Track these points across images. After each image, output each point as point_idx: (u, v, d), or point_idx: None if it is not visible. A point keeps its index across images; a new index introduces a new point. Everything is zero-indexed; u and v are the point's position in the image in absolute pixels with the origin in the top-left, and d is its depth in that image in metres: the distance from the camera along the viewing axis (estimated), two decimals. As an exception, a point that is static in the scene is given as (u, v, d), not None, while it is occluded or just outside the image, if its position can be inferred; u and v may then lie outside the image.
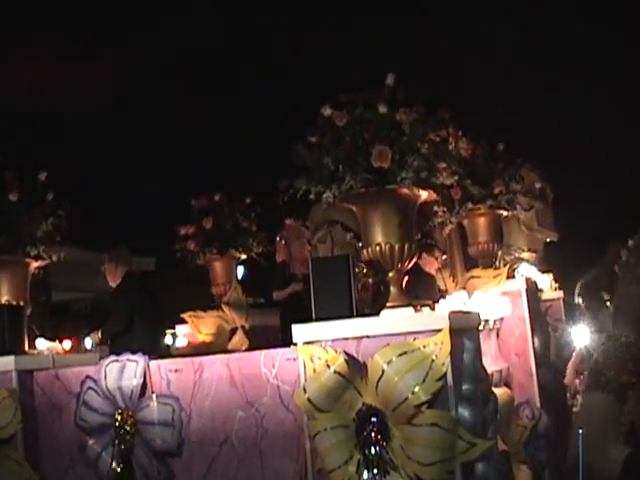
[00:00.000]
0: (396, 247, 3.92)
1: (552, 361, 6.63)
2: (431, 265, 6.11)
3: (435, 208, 5.54)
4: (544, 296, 7.49)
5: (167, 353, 5.81)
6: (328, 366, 3.70)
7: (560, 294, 7.71)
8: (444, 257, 7.48)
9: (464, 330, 3.89)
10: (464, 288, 5.84)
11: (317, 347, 3.80)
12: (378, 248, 3.95)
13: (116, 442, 4.28)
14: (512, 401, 5.25)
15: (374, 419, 3.66)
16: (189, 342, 6.48)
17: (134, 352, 4.36)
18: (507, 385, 5.73)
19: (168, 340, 6.81)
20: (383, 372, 3.60)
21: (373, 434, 3.65)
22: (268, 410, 4.02)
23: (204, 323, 6.37)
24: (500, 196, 6.03)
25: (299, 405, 3.75)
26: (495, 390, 5.00)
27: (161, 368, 4.26)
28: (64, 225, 5.08)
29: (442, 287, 5.86)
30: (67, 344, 5.35)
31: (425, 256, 6.05)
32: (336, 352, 3.72)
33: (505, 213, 6.15)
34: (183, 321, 6.52)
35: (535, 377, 5.81)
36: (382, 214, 3.96)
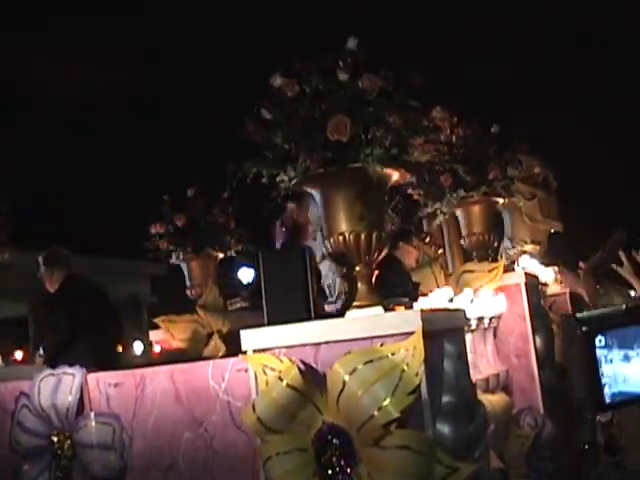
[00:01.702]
0: (363, 236, 3.24)
1: (557, 362, 5.93)
2: (409, 256, 5.39)
3: (419, 195, 4.82)
4: (549, 290, 6.81)
5: (129, 364, 5.15)
6: (280, 379, 3.03)
7: (566, 288, 7.00)
8: (439, 251, 6.78)
9: (444, 332, 3.20)
10: (457, 284, 5.15)
11: (269, 356, 3.13)
12: (342, 238, 3.27)
13: (52, 468, 3.64)
14: (510, 409, 4.55)
15: (336, 440, 2.98)
16: (162, 349, 5.83)
17: (72, 365, 3.71)
18: (506, 390, 5.03)
19: (137, 348, 6.14)
20: (344, 384, 2.92)
21: (335, 458, 2.97)
22: (218, 430, 3.35)
23: (178, 328, 5.72)
24: (495, 182, 5.32)
25: (248, 425, 3.08)
26: (491, 397, 4.33)
27: (100, 382, 3.61)
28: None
29: (433, 283, 5.15)
30: (18, 354, 4.70)
31: (403, 246, 5.34)
32: (291, 362, 3.05)
33: (501, 200, 5.44)
34: (157, 326, 5.88)
35: (538, 380, 5.11)
36: (345, 198, 3.28)
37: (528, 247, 7.10)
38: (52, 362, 4.07)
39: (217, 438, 3.35)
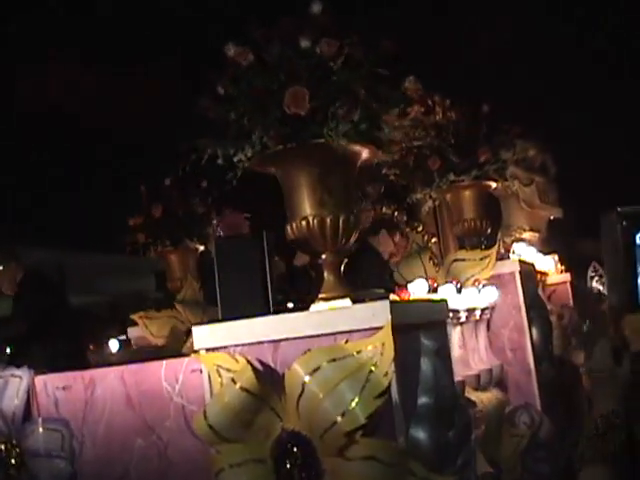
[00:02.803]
0: (328, 221, 2.85)
1: (557, 355, 5.53)
2: (386, 245, 4.98)
3: (395, 176, 4.39)
4: (548, 280, 6.42)
5: (103, 362, 4.79)
6: (234, 381, 2.65)
7: (566, 277, 6.61)
8: (433, 240, 6.38)
9: (421, 326, 2.82)
10: (447, 273, 4.75)
11: (224, 355, 2.74)
12: (305, 223, 2.88)
13: (-2, 479, 3.28)
14: (504, 407, 4.16)
15: (297, 450, 2.59)
16: (139, 346, 5.46)
17: (19, 366, 3.35)
18: (501, 386, 4.64)
19: (113, 346, 5.77)
20: (304, 387, 2.53)
21: (296, 470, 2.59)
22: (172, 437, 2.98)
23: (156, 324, 5.34)
24: (487, 165, 4.91)
25: (199, 434, 2.70)
26: (482, 395, 3.94)
27: (48, 385, 3.23)
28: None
29: (422, 273, 4.76)
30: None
31: (382, 234, 4.93)
32: (246, 362, 2.67)
33: (494, 185, 5.04)
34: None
35: (534, 375, 4.72)
36: (308, 178, 2.89)
37: (526, 235, 6.70)
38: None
39: (171, 446, 2.98)
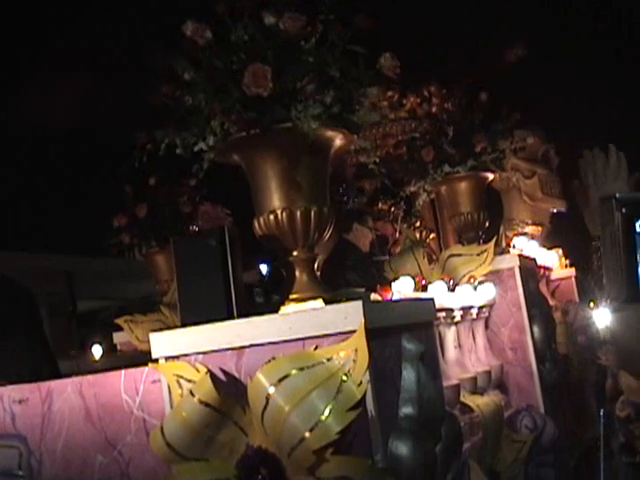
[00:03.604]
0: (298, 214, 2.55)
1: (562, 354, 5.20)
2: (365, 240, 4.65)
3: (374, 164, 4.06)
4: (552, 275, 6.08)
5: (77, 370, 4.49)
6: (192, 394, 2.34)
7: (571, 272, 6.27)
8: (431, 235, 6.05)
9: (403, 328, 2.50)
10: (443, 270, 4.44)
11: (184, 364, 2.44)
12: (273, 217, 2.58)
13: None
14: (502, 411, 3.83)
15: (264, 470, 2.29)
16: (123, 352, 5.18)
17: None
18: (501, 388, 4.32)
19: (96, 352, 5.47)
20: (268, 399, 2.23)
21: (264, 492, 2.29)
22: (134, 453, 2.66)
23: (142, 328, 5.05)
24: (484, 155, 4.59)
25: (157, 452, 2.40)
26: (479, 399, 3.62)
27: (4, 398, 2.92)
28: None
29: (415, 271, 4.45)
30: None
31: (357, 227, 4.60)
32: (205, 372, 2.37)
33: (492, 176, 4.71)
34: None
35: (537, 376, 4.39)
36: (275, 168, 2.58)
37: (529, 229, 6.36)
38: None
39: (133, 463, 2.67)
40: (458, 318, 3.83)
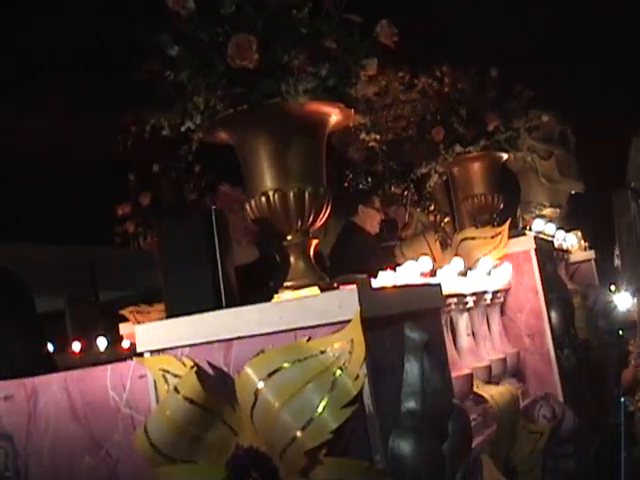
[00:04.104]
0: (291, 196, 2.34)
1: (582, 338, 4.96)
2: (372, 221, 4.41)
3: (375, 142, 3.82)
4: (571, 258, 5.84)
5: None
6: (177, 390, 2.15)
7: (591, 254, 6.01)
8: (446, 219, 5.82)
9: (405, 316, 2.29)
10: (456, 254, 4.21)
11: (170, 358, 2.25)
12: (264, 199, 2.38)
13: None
14: (518, 401, 3.61)
15: (256, 471, 2.09)
16: (132, 344, 4.99)
17: None
18: (518, 376, 4.09)
19: (101, 344, 5.28)
20: (257, 395, 2.03)
21: (256, 495, 2.09)
22: (122, 452, 2.47)
23: (148, 319, 4.87)
24: (497, 134, 4.36)
25: (141, 453, 2.20)
26: (493, 389, 3.40)
27: (-11, 395, 2.76)
28: None
29: (428, 255, 4.22)
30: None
31: (363, 209, 4.37)
32: (191, 366, 2.17)
33: (505, 156, 4.47)
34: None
35: (555, 363, 4.16)
36: (266, 147, 2.38)
37: (547, 211, 6.11)
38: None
39: (122, 463, 2.48)
40: (471, 304, 3.60)
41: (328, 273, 2.63)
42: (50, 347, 5.87)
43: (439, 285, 2.63)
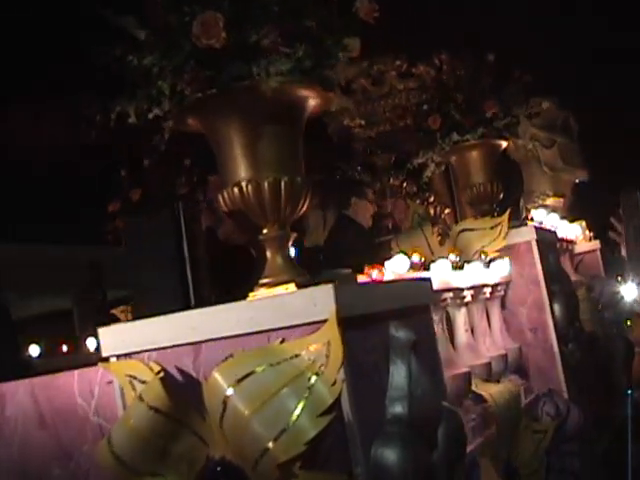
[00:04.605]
0: (265, 186, 2.15)
1: (587, 331, 4.76)
2: (365, 214, 4.19)
3: (360, 127, 3.58)
4: (576, 248, 5.63)
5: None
6: (141, 398, 1.96)
7: (596, 244, 5.80)
8: (447, 211, 5.61)
9: (390, 314, 2.09)
10: (455, 246, 4.02)
11: (137, 363, 2.07)
12: (237, 190, 2.19)
13: None
14: (520, 399, 3.41)
15: (228, 484, 1.91)
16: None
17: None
18: (520, 372, 3.89)
19: (91, 344, 5.12)
20: (226, 403, 1.84)
21: (228, 510, 1.90)
22: (93, 463, 2.29)
23: (140, 318, 4.70)
24: (496, 121, 4.15)
25: (104, 465, 2.02)
26: (493, 387, 3.22)
27: (-43, 402, 2.58)
28: None
29: (425, 248, 4.03)
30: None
31: (356, 201, 4.15)
32: (157, 372, 1.99)
33: (505, 144, 4.26)
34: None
35: (559, 358, 3.96)
36: (239, 134, 2.19)
37: (550, 201, 5.89)
38: None
39: (93, 475, 2.31)
40: (469, 298, 3.40)
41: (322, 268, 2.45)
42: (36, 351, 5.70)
43: (429, 280, 2.43)
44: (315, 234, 4.37)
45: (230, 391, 1.83)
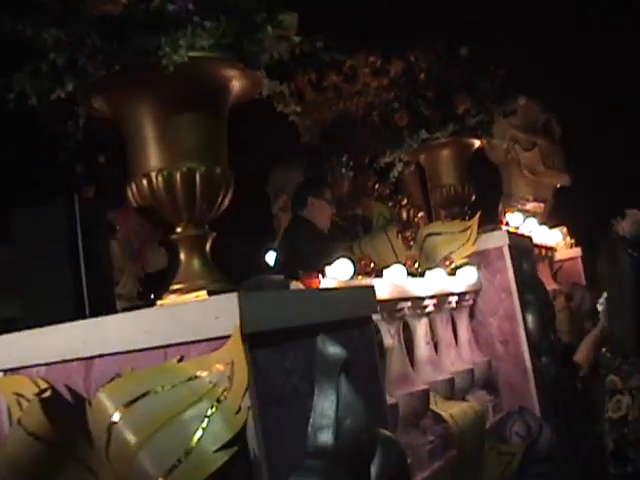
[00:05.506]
0: (177, 177, 1.87)
1: (565, 343, 4.48)
2: (323, 215, 3.86)
3: (295, 114, 3.26)
4: (557, 255, 5.36)
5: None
6: (20, 423, 1.67)
7: (577, 251, 5.53)
8: (420, 214, 5.32)
9: (316, 329, 1.80)
10: (421, 250, 3.73)
11: (24, 379, 1.78)
12: (146, 182, 1.90)
13: None
14: (484, 420, 3.12)
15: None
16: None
17: None
18: (489, 388, 3.61)
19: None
20: (110, 430, 1.55)
21: None
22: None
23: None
24: (467, 118, 3.87)
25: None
26: (454, 407, 2.93)
27: None
28: None
29: (390, 253, 3.75)
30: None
31: (313, 201, 3.83)
32: (39, 392, 1.70)
33: (477, 142, 3.99)
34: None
35: (531, 372, 3.68)
36: (148, 118, 1.90)
37: (530, 205, 5.62)
38: None
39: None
40: (430, 308, 3.12)
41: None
42: None
43: (372, 288, 2.15)
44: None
45: (116, 416, 1.54)
